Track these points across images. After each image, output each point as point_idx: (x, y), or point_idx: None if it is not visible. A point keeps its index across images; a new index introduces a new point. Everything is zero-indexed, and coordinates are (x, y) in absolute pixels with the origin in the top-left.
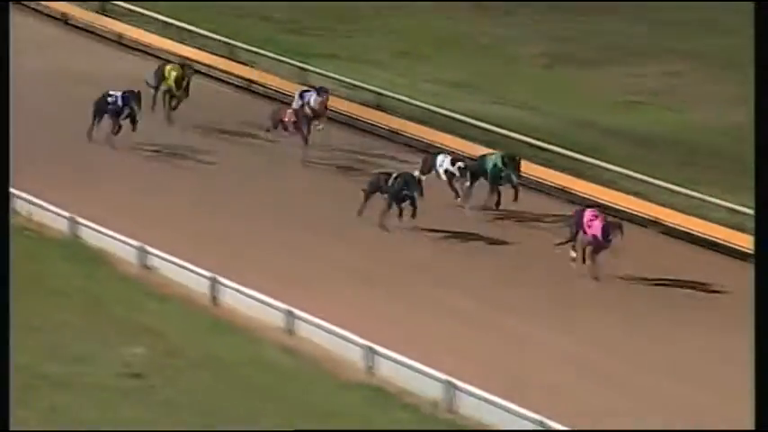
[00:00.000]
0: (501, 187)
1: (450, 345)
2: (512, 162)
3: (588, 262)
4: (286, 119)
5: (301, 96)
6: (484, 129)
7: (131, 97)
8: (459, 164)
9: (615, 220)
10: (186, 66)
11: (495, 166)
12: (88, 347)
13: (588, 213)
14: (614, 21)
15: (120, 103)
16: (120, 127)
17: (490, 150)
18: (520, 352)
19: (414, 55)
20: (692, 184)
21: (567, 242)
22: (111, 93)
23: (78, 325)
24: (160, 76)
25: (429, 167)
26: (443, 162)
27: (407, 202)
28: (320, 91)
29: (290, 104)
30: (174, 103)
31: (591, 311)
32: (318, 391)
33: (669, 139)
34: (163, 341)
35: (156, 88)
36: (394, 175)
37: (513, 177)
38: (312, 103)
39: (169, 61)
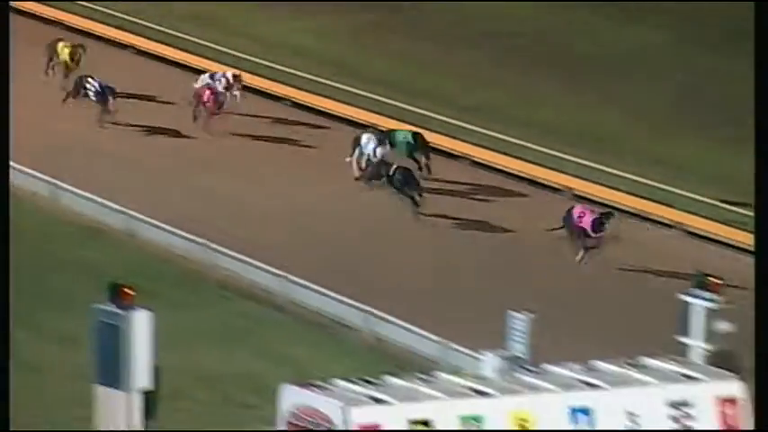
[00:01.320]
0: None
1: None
2: (420, 139)
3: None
4: (205, 99)
5: (212, 78)
6: None
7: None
8: (381, 149)
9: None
10: (79, 45)
11: (408, 143)
12: None
13: (577, 209)
14: None
15: (98, 87)
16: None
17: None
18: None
19: None
20: None
21: (558, 228)
22: (89, 78)
23: None
24: (52, 52)
25: (354, 148)
26: (368, 142)
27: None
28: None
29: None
30: (66, 74)
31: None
32: None
33: None
34: None
35: (50, 60)
36: (394, 167)
37: (422, 154)
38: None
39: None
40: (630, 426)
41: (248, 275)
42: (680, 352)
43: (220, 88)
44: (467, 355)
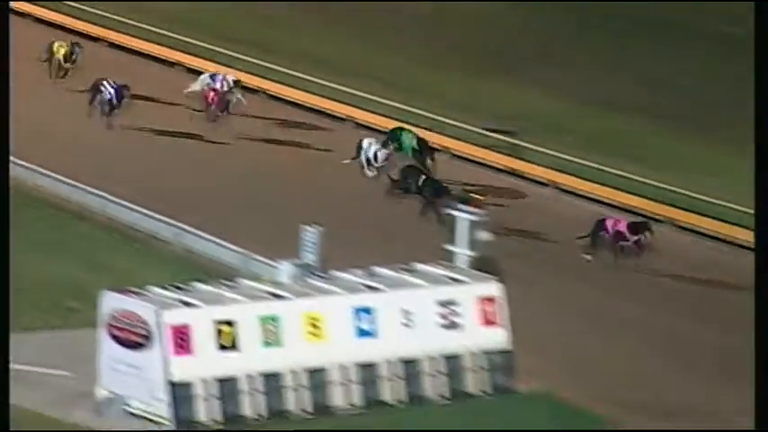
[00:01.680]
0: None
1: None
2: (424, 143)
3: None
4: (211, 101)
5: (212, 79)
6: None
7: (122, 88)
8: (383, 151)
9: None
10: (74, 44)
11: (413, 146)
12: None
13: (610, 221)
14: None
15: (111, 91)
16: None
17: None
18: None
19: None
20: None
21: (585, 236)
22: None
23: None
24: (50, 52)
25: (357, 152)
26: (369, 147)
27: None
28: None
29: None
30: (62, 74)
31: None
32: None
33: None
34: None
35: (48, 60)
36: (423, 178)
37: (427, 156)
38: (226, 87)
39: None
40: (405, 322)
41: (74, 197)
42: (447, 258)
43: (221, 89)
44: (265, 263)
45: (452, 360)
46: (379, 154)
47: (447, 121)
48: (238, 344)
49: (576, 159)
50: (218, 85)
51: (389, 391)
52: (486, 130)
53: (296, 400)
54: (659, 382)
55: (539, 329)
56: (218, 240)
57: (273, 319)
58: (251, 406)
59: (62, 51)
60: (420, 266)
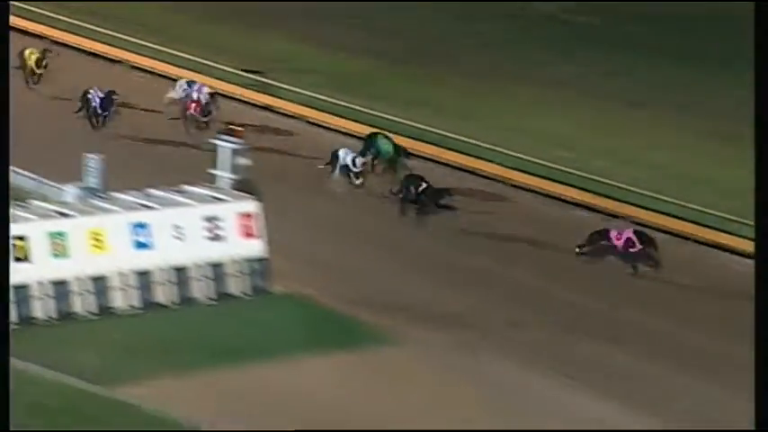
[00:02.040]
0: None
1: None
2: (401, 149)
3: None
4: (192, 111)
5: (189, 86)
6: None
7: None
8: (360, 158)
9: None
10: (45, 50)
11: (387, 152)
12: None
13: (614, 232)
14: None
15: (98, 100)
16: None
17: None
18: None
19: None
20: None
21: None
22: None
23: None
24: (22, 59)
25: (332, 161)
26: (346, 157)
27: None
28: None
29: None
30: (35, 79)
31: None
32: None
33: None
34: None
35: (22, 67)
36: (423, 185)
37: (404, 161)
38: (202, 97)
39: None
40: (176, 235)
41: None
42: (212, 181)
43: (202, 98)
44: (54, 187)
45: (217, 267)
46: (357, 161)
47: (210, 63)
48: (30, 256)
49: (320, 96)
50: (195, 95)
51: (163, 294)
52: (242, 71)
53: (82, 304)
54: (414, 290)
55: (296, 242)
56: (12, 168)
57: (61, 234)
58: (42, 309)
59: (33, 58)
60: (188, 188)
